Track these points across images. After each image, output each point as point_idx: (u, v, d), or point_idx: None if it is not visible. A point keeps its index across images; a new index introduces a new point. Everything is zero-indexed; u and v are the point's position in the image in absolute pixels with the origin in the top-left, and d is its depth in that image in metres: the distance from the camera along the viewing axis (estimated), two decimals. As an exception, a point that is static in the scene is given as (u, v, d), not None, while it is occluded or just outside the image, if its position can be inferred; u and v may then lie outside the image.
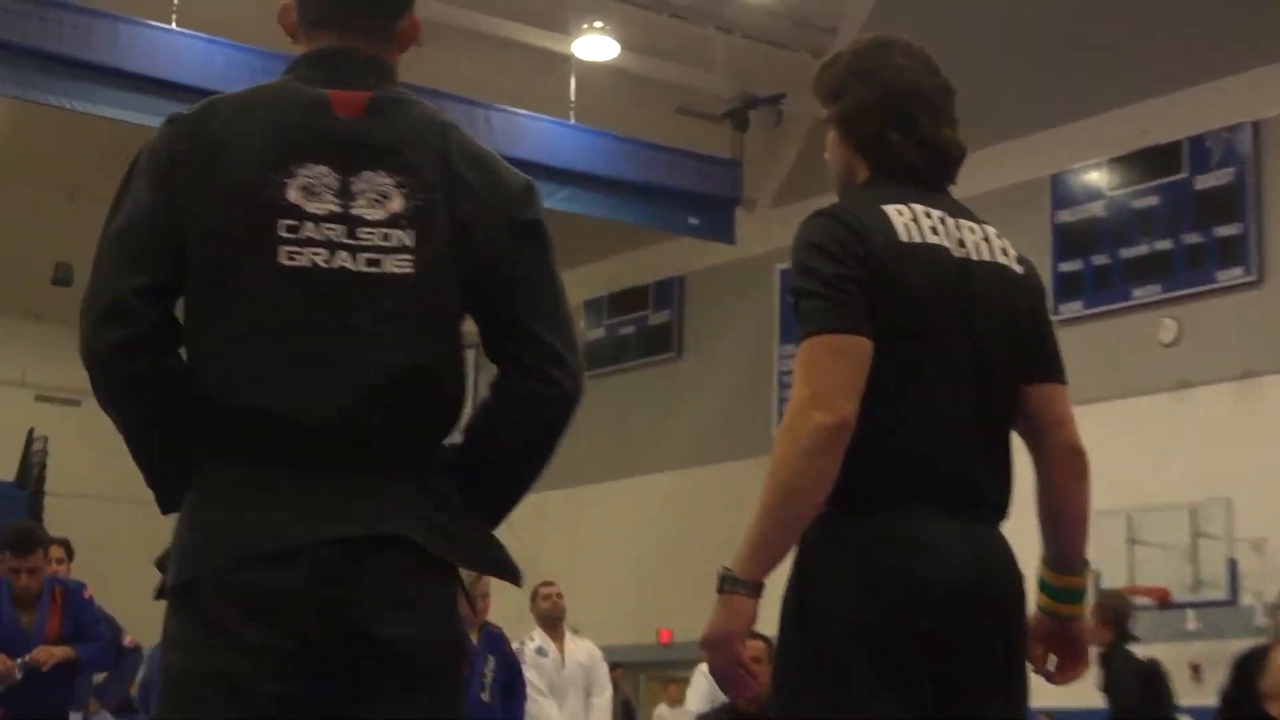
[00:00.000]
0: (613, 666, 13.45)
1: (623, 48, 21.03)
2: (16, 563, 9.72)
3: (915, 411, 3.45)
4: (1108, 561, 16.39)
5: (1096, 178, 20.51)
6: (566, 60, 21.03)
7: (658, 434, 24.54)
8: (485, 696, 10.07)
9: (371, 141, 3.21)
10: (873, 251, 3.44)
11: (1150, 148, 19.88)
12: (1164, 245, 19.63)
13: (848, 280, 3.42)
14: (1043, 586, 3.70)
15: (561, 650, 10.80)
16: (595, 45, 20.92)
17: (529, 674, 10.51)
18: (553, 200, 19.14)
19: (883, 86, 3.65)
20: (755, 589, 3.38)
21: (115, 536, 25.04)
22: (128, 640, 10.65)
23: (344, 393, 3.09)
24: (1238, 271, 18.92)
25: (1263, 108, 18.91)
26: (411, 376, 3.15)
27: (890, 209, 3.52)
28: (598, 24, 20.81)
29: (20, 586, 9.69)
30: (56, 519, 26.91)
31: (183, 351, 3.23)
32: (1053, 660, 3.72)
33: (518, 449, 3.33)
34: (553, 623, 10.79)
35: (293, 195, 3.14)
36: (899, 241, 3.49)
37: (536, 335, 3.28)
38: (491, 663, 10.21)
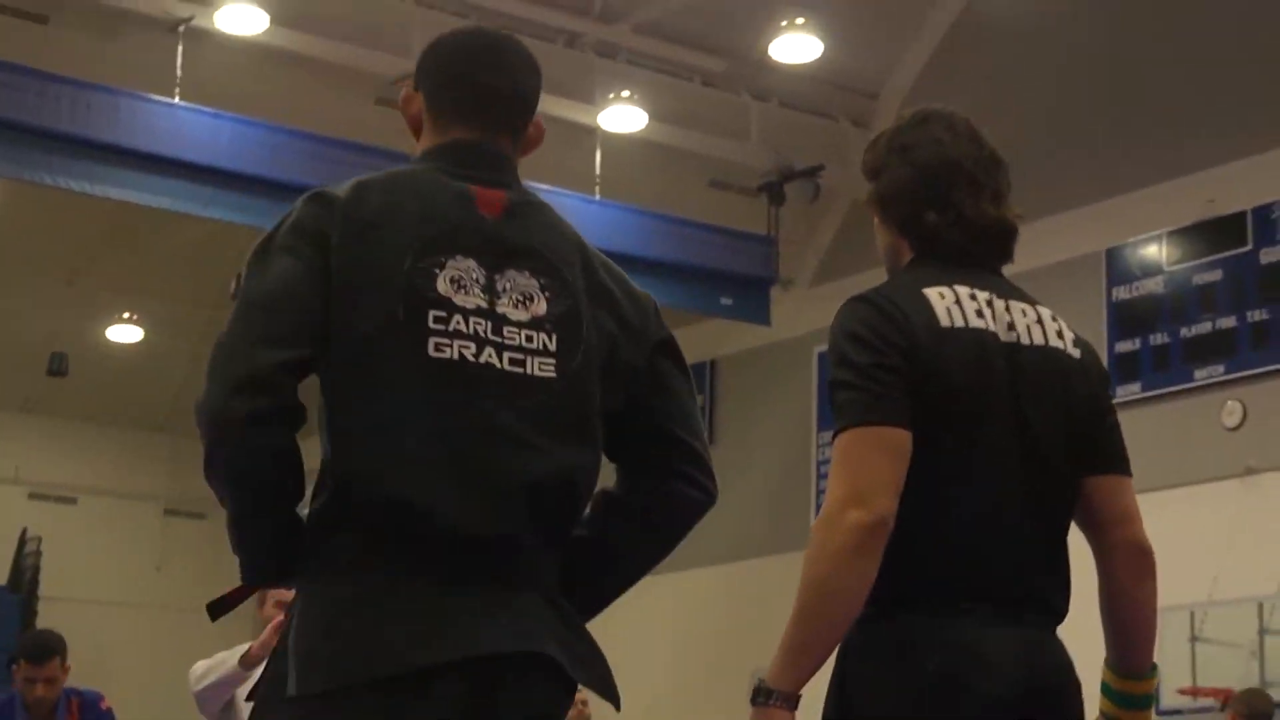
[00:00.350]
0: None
1: (651, 118, 21.07)
2: (33, 672, 9.72)
3: (961, 506, 3.42)
4: (1169, 660, 16.26)
5: (1155, 252, 20.47)
6: (592, 132, 21.09)
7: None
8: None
9: (515, 241, 3.29)
10: (912, 339, 3.44)
11: (1212, 219, 19.85)
12: (1227, 323, 19.58)
13: (885, 370, 3.41)
14: (1105, 691, 3.66)
15: None
16: (622, 116, 20.97)
17: None
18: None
19: (919, 164, 3.65)
20: (792, 700, 3.37)
21: (113, 642, 25.03)
22: (104, 704, 10.61)
23: (490, 498, 3.14)
24: (1307, 350, 18.89)
25: (1331, 176, 18.92)
26: (555, 486, 3.22)
27: (931, 292, 3.51)
28: (625, 93, 20.85)
29: (35, 697, 9.69)
30: (50, 624, 26.83)
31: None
32: None
33: (650, 548, 3.44)
34: None
35: (442, 287, 3.21)
36: (940, 327, 3.48)
37: (685, 442, 3.47)
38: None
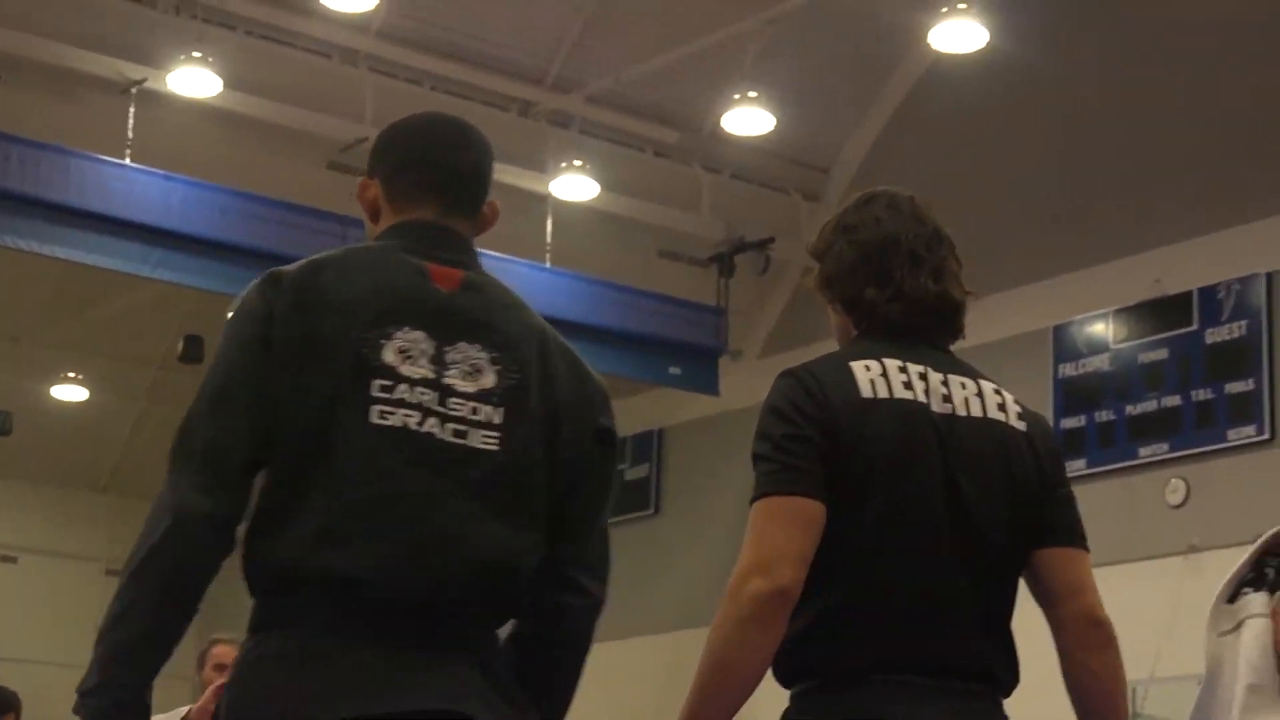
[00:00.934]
0: None
1: (603, 187, 21.11)
2: None
3: (887, 578, 3.42)
4: (1114, 738, 16.31)
5: (1101, 329, 20.59)
6: (544, 200, 21.12)
7: (635, 596, 24.40)
8: None
9: (469, 315, 3.31)
10: (828, 411, 3.45)
11: (1159, 299, 19.98)
12: (1172, 401, 19.69)
13: (798, 441, 3.43)
14: None
15: None
16: (574, 185, 21.01)
17: None
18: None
19: (859, 242, 3.68)
20: None
21: (52, 703, 24.79)
22: None
23: (425, 564, 3.15)
24: (1249, 430, 18.96)
25: (1277, 259, 19.04)
26: (491, 558, 3.21)
27: (857, 365, 3.53)
28: (577, 162, 20.89)
29: None
30: (-10, 682, 26.76)
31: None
32: None
33: (572, 646, 3.44)
34: None
35: (389, 356, 3.22)
36: (860, 398, 3.49)
37: (591, 547, 3.52)
38: None
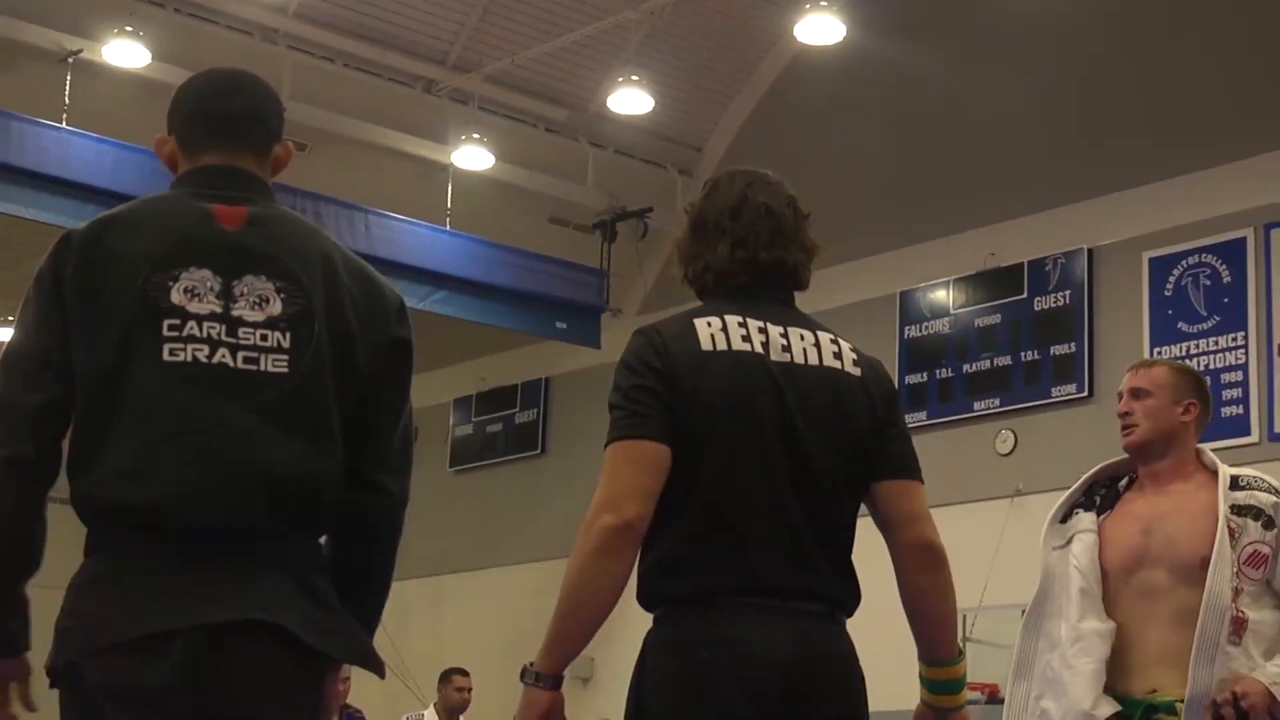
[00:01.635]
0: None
1: (498, 159, 21.06)
2: None
3: (731, 511, 3.43)
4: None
5: (942, 296, 20.75)
6: (445, 169, 21.06)
7: (522, 527, 24.45)
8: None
9: (252, 249, 3.25)
10: (669, 361, 3.46)
11: (993, 270, 20.16)
12: (1003, 361, 19.88)
13: (643, 391, 3.44)
14: (922, 681, 3.67)
15: None
16: (472, 156, 20.94)
17: None
18: (427, 302, 19.11)
19: (719, 211, 3.68)
20: (552, 681, 3.40)
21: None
22: None
23: (222, 488, 3.10)
24: (1070, 388, 19.19)
25: (1097, 235, 19.24)
26: (290, 476, 3.16)
27: (700, 321, 3.55)
28: (475, 135, 20.84)
29: None
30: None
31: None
32: None
33: (380, 545, 3.37)
34: (455, 712, 10.49)
35: (176, 297, 3.16)
36: (699, 350, 3.50)
37: (390, 450, 3.38)
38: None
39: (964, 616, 17.67)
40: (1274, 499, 4.21)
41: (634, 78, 20.69)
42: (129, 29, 18.39)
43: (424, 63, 20.98)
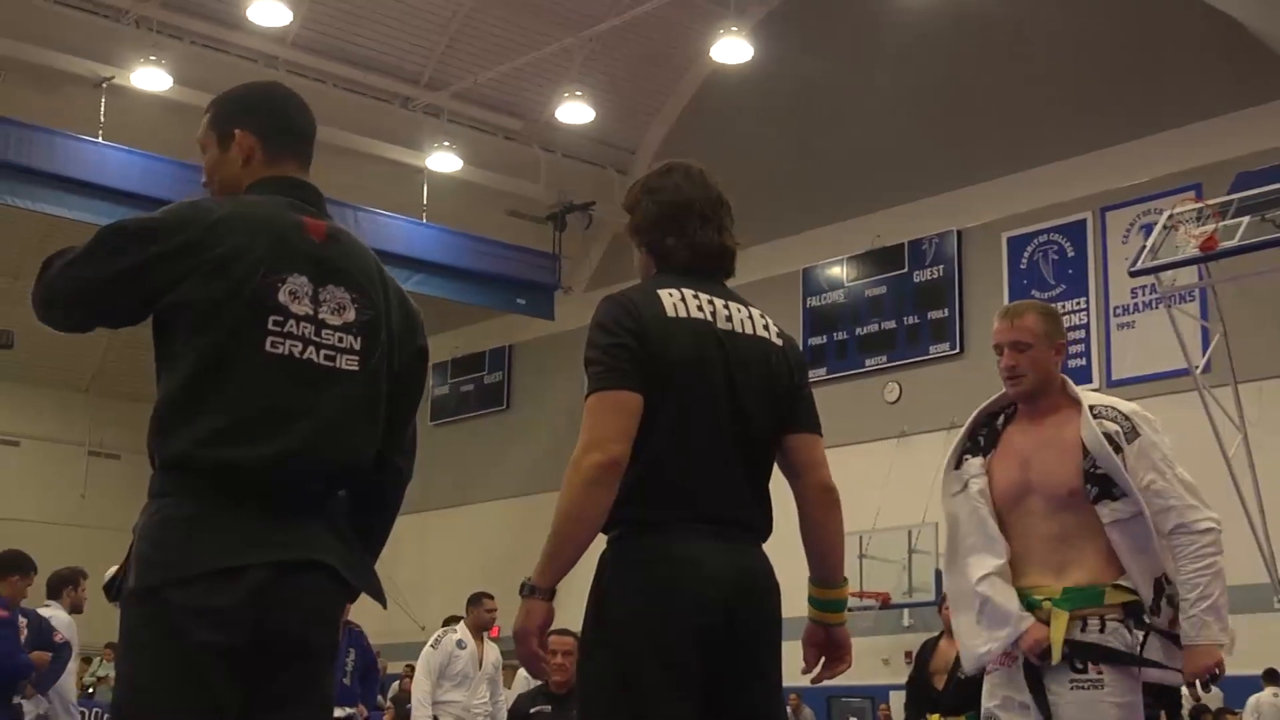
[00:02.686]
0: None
1: (465, 162, 21.04)
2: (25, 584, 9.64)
3: (683, 452, 3.42)
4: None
5: (837, 272, 20.84)
6: (420, 172, 21.00)
7: (492, 471, 24.47)
8: (346, 681, 10.01)
9: (334, 262, 3.24)
10: (641, 325, 3.43)
11: (879, 249, 20.26)
12: (889, 325, 20.00)
13: (620, 348, 3.40)
14: (810, 600, 3.65)
15: (480, 650, 10.56)
16: (443, 160, 20.91)
17: (425, 652, 10.44)
18: (408, 284, 18.93)
19: (662, 203, 3.65)
20: (548, 594, 3.37)
21: (46, 554, 24.37)
22: (57, 637, 10.28)
23: (296, 461, 3.11)
24: (945, 346, 19.32)
25: (965, 219, 19.35)
26: (345, 456, 3.19)
27: (663, 292, 3.51)
28: (445, 143, 20.81)
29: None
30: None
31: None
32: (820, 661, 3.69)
33: (384, 516, 3.42)
34: (482, 629, 10.50)
35: (283, 297, 3.15)
36: (665, 316, 3.47)
37: (406, 439, 3.43)
38: (352, 654, 10.14)
39: (860, 537, 17.79)
40: (1116, 426, 4.20)
41: (578, 93, 20.68)
42: (153, 58, 18.28)
43: (402, 83, 20.91)
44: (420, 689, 10.45)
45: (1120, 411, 4.29)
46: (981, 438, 4.51)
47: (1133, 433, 4.22)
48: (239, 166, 3.37)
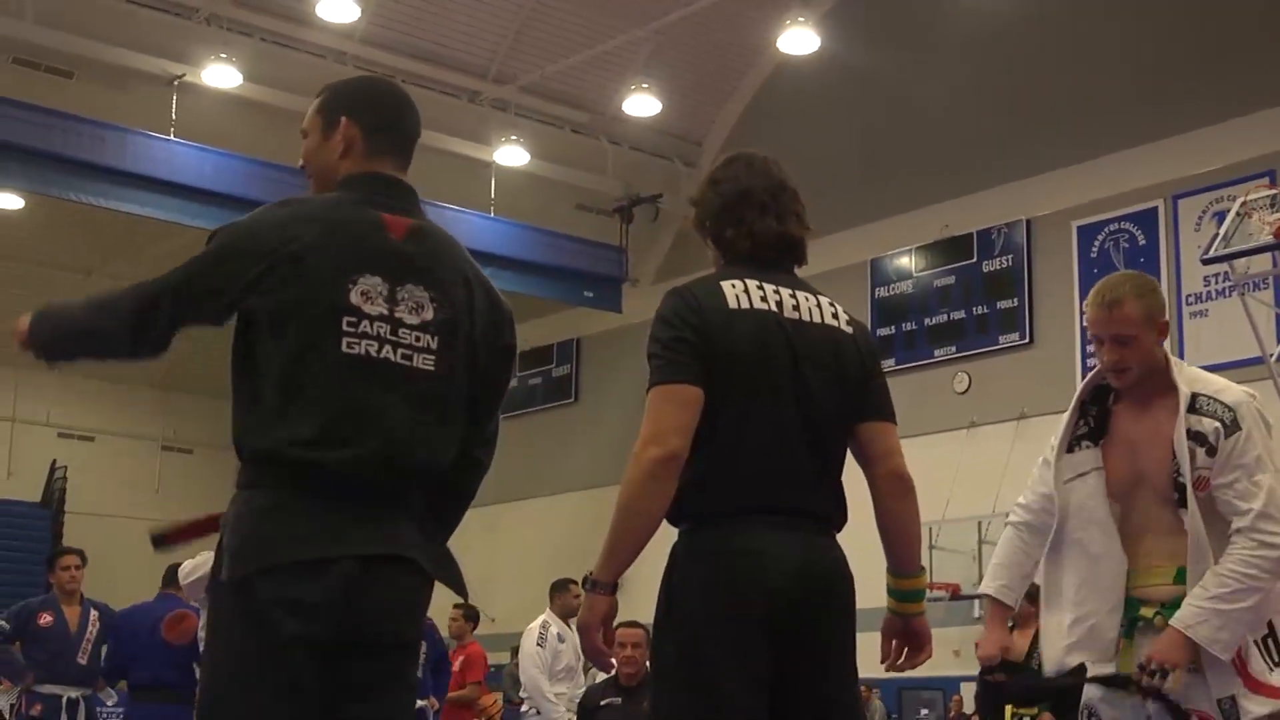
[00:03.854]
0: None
1: (533, 156, 21.07)
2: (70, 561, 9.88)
3: (748, 444, 3.41)
4: (915, 564, 16.49)
5: (906, 262, 20.75)
6: (488, 166, 21.06)
7: (560, 464, 24.54)
8: (419, 673, 10.04)
9: (414, 261, 3.28)
10: (703, 318, 3.43)
11: (948, 239, 20.15)
12: (958, 315, 19.89)
13: (681, 342, 3.40)
14: (889, 591, 3.64)
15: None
16: (511, 154, 20.96)
17: (534, 652, 10.29)
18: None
19: (721, 194, 3.64)
20: (610, 588, 3.38)
21: (121, 548, 24.63)
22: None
23: (377, 459, 3.16)
24: (1015, 336, 19.18)
25: (1034, 208, 19.21)
26: (424, 449, 3.22)
27: (725, 284, 3.51)
28: (513, 137, 20.85)
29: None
30: (72, 535, 26.55)
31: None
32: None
33: (459, 504, 3.48)
34: (569, 615, 10.32)
35: (355, 298, 3.18)
36: (727, 308, 3.47)
37: (487, 432, 3.47)
38: (424, 646, 10.18)
39: (929, 529, 17.71)
40: (1216, 424, 3.98)
41: (644, 85, 20.66)
42: (223, 55, 18.39)
43: (469, 77, 20.96)
44: (543, 685, 10.23)
45: (1223, 403, 4.05)
46: (1091, 417, 4.30)
47: (1234, 425, 4.01)
48: (337, 156, 3.42)
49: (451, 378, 3.29)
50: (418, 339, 3.26)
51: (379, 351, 3.21)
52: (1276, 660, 3.94)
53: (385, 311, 3.23)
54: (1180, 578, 4.05)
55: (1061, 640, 4.22)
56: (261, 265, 3.16)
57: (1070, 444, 4.28)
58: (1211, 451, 3.99)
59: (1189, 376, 4.16)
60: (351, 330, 3.19)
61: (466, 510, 3.50)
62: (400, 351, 3.23)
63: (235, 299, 3.17)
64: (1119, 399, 4.25)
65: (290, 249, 3.17)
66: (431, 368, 3.26)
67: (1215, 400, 4.06)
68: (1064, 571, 4.23)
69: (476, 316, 3.35)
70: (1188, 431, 4.03)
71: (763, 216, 3.64)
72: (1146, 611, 4.10)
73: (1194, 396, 4.08)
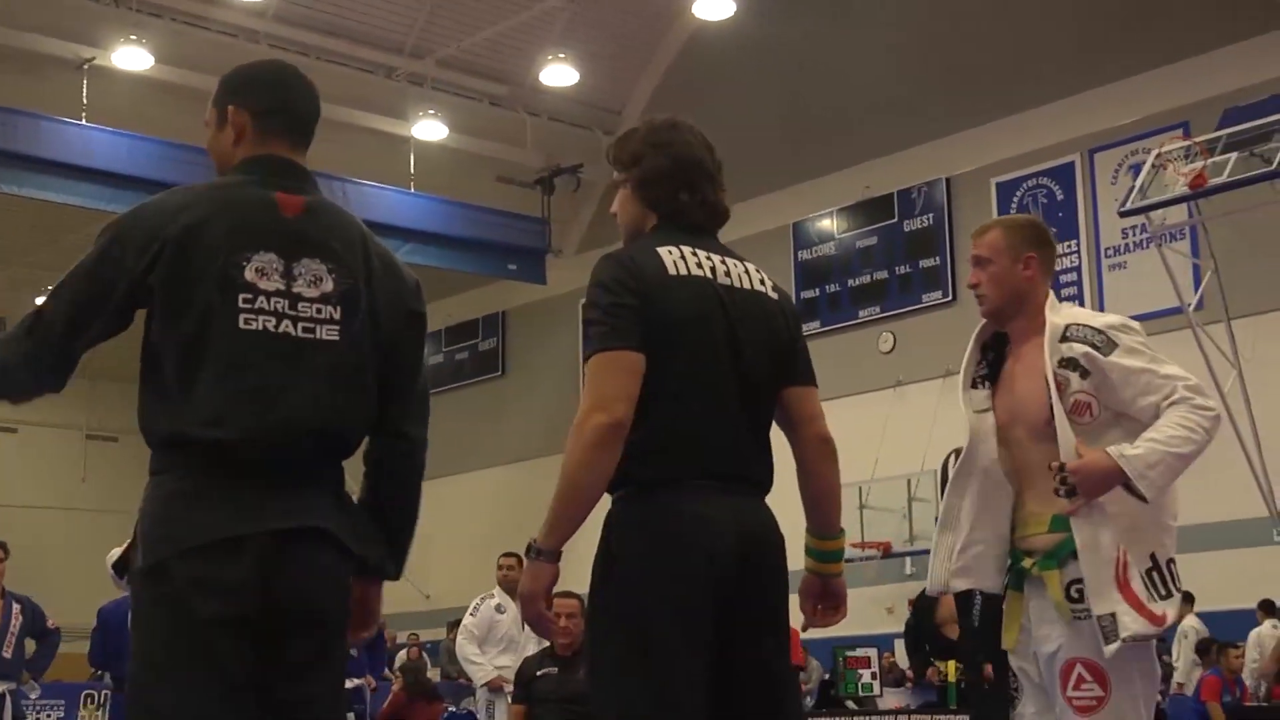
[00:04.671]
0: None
1: (451, 130, 21.00)
2: None
3: (688, 410, 3.42)
4: (842, 523, 16.60)
5: (828, 224, 20.83)
6: (406, 141, 20.96)
7: (489, 438, 24.50)
8: (354, 652, 10.06)
9: (308, 236, 3.27)
10: (642, 283, 3.42)
11: (869, 199, 20.24)
12: (881, 275, 20.00)
13: (621, 308, 3.40)
14: (808, 551, 3.66)
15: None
16: (429, 128, 20.88)
17: (465, 622, 10.47)
18: (398, 254, 18.98)
19: (674, 158, 3.63)
20: (554, 556, 3.38)
21: (48, 538, 24.47)
22: (50, 623, 10.29)
23: (283, 433, 3.16)
24: (938, 294, 19.32)
25: (954, 166, 19.33)
26: (333, 423, 3.22)
27: (663, 250, 3.51)
28: (431, 111, 20.76)
29: None
30: (0, 527, 26.32)
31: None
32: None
33: (402, 494, 3.45)
34: (512, 588, 10.35)
35: (249, 275, 3.18)
36: (666, 274, 3.47)
37: (412, 406, 3.46)
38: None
39: (859, 488, 17.83)
40: (1085, 348, 4.03)
41: (561, 55, 20.62)
42: (134, 37, 18.22)
43: (384, 52, 20.83)
44: (467, 650, 10.46)
45: (1093, 327, 4.10)
46: (989, 363, 4.38)
47: (1108, 344, 4.06)
48: (231, 144, 3.43)
49: (358, 347, 3.29)
50: (319, 310, 3.25)
51: (278, 326, 3.21)
52: (1161, 594, 3.97)
53: (282, 287, 3.23)
54: (1055, 525, 4.10)
55: (949, 563, 4.30)
56: (150, 252, 3.16)
57: (973, 381, 4.37)
58: (1085, 375, 4.04)
59: (1066, 314, 4.23)
60: (248, 306, 3.18)
61: (417, 490, 3.47)
62: (301, 325, 3.23)
63: (129, 289, 3.16)
64: (1011, 347, 4.33)
65: (176, 231, 3.17)
66: (336, 338, 3.26)
67: (1085, 326, 4.11)
68: (964, 497, 4.31)
69: (376, 285, 3.35)
70: (1060, 360, 4.07)
71: (711, 186, 3.67)
72: (1027, 563, 4.17)
73: (1065, 327, 4.13)
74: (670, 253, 3.53)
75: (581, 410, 3.37)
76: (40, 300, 3.32)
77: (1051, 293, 4.32)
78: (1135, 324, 4.21)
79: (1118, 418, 4.05)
